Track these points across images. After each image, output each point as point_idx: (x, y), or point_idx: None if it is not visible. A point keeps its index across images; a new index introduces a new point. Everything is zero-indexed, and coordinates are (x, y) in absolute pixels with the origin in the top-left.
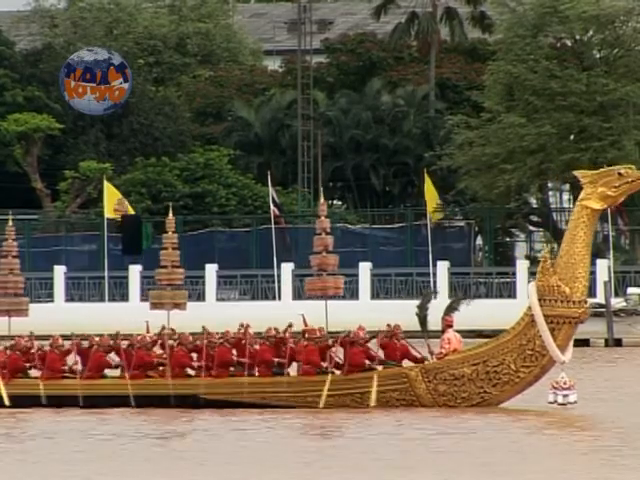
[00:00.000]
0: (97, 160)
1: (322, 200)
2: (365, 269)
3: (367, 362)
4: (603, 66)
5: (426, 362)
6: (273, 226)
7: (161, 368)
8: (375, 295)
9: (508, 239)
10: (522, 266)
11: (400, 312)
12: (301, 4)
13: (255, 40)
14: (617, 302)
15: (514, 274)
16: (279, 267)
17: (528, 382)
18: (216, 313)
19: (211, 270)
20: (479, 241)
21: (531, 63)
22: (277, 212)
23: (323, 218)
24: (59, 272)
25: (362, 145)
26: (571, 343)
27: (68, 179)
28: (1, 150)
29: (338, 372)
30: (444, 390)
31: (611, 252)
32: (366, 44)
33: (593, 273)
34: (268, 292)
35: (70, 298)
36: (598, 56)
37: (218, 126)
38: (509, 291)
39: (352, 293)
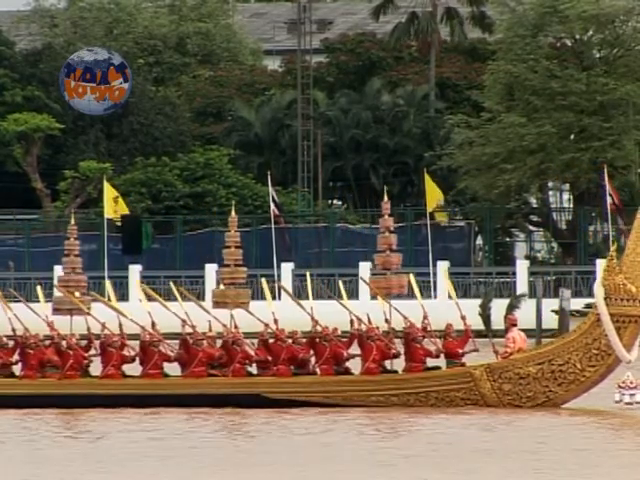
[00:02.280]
0: (97, 160)
1: (385, 199)
2: (365, 269)
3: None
4: (603, 66)
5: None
6: (273, 226)
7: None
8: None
9: (508, 239)
10: (522, 266)
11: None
12: (301, 4)
13: (255, 40)
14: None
15: (514, 274)
16: (279, 267)
17: (594, 381)
18: (216, 313)
19: (211, 270)
20: (479, 241)
21: (531, 63)
22: (277, 212)
23: (387, 217)
24: (59, 272)
25: (362, 145)
26: (637, 342)
27: (68, 179)
28: (1, 150)
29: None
30: (509, 389)
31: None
32: (366, 44)
33: (593, 273)
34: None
35: None
36: (598, 56)
37: (218, 126)
38: (509, 291)
39: (352, 293)
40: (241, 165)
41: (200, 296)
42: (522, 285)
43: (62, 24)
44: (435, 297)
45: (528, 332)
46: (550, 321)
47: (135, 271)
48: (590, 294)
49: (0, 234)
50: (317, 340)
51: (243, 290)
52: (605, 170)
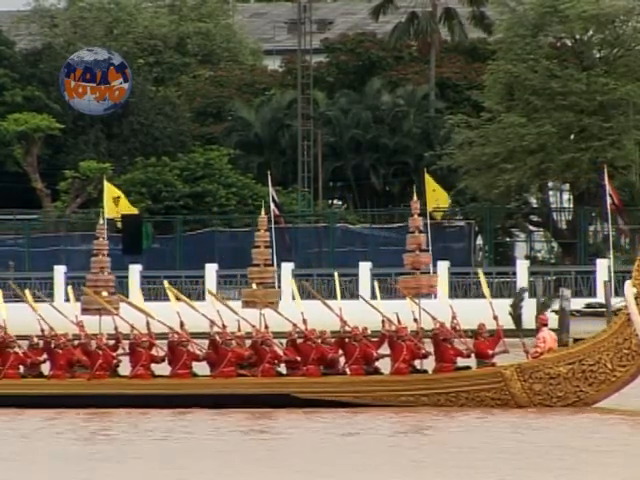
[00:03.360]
0: (97, 160)
1: (415, 198)
2: (365, 269)
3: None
4: (603, 66)
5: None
6: (273, 226)
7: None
8: (375, 295)
9: (508, 239)
10: (522, 266)
11: (400, 312)
12: (301, 4)
13: (255, 40)
14: (617, 302)
15: (514, 274)
16: (279, 267)
17: (624, 381)
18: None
19: (211, 270)
20: (479, 241)
21: (531, 63)
22: (277, 212)
23: (416, 216)
24: (59, 272)
25: (362, 145)
26: None
27: (68, 179)
28: (1, 150)
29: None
30: (540, 389)
31: (611, 252)
32: (366, 44)
33: (593, 273)
34: None
35: (69, 298)
36: (598, 56)
37: (218, 126)
38: (509, 291)
39: (352, 293)
40: (241, 165)
41: (200, 296)
42: (522, 285)
43: (62, 24)
44: (435, 297)
45: (528, 332)
46: (550, 321)
47: (135, 271)
48: (590, 294)
49: (0, 234)
50: (347, 340)
51: (272, 290)
52: (605, 170)
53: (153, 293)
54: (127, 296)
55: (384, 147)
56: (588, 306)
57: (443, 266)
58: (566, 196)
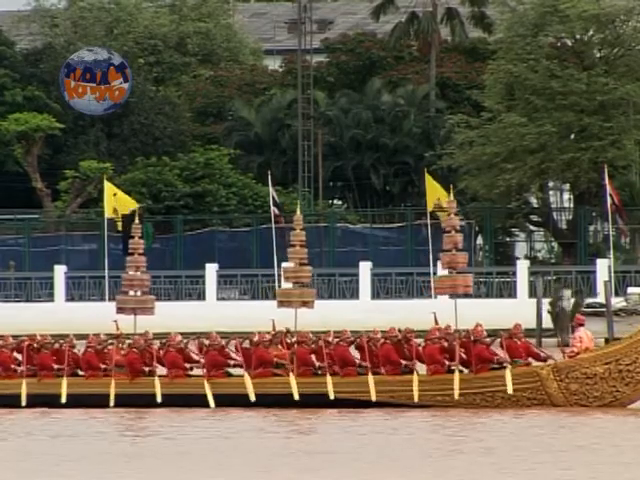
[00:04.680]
0: (97, 160)
1: (451, 197)
2: (365, 269)
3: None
4: (603, 65)
5: (552, 360)
6: (273, 226)
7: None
8: (375, 295)
9: (508, 239)
10: (522, 266)
11: (400, 312)
12: (301, 4)
13: (255, 40)
14: (617, 302)
15: (514, 274)
16: (279, 266)
17: None
18: (216, 312)
19: (211, 269)
20: (479, 241)
21: (531, 62)
22: (277, 212)
23: (453, 215)
24: (59, 272)
25: (362, 145)
26: None
27: (68, 179)
28: (1, 150)
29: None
30: (576, 389)
31: (611, 252)
32: (366, 44)
33: (593, 273)
34: (268, 292)
35: (70, 298)
36: (598, 55)
37: (218, 126)
38: (509, 291)
39: (352, 293)
40: (241, 165)
41: (200, 296)
42: (522, 285)
43: (62, 24)
44: (435, 297)
45: (528, 332)
46: (550, 321)
47: None
48: (590, 294)
49: (0, 234)
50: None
51: (308, 289)
52: (605, 170)
53: (153, 293)
54: None
55: (384, 147)
56: (588, 306)
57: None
58: (566, 196)
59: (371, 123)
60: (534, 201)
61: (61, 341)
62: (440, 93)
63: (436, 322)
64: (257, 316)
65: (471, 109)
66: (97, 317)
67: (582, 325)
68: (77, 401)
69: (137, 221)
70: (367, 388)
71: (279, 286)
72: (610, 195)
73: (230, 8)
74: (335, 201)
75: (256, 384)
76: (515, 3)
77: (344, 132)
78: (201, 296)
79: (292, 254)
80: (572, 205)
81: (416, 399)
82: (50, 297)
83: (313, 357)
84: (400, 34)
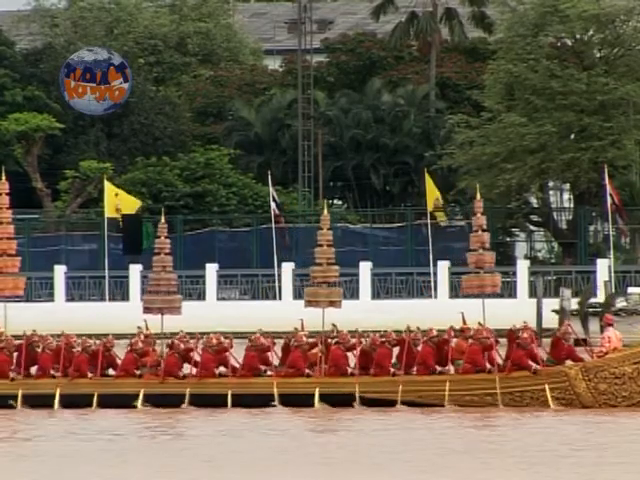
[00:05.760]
0: (97, 160)
1: (478, 197)
2: (365, 269)
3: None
4: (603, 65)
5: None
6: (273, 225)
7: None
8: (375, 295)
9: (508, 239)
10: (522, 266)
11: (400, 312)
12: (301, 4)
13: (255, 40)
14: (617, 302)
15: (514, 274)
16: (280, 266)
17: None
18: (216, 312)
19: (211, 269)
20: None
21: (531, 62)
22: (277, 211)
23: (479, 215)
24: (59, 272)
25: (362, 145)
26: None
27: (68, 179)
28: (1, 150)
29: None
30: (604, 389)
31: (611, 252)
32: (366, 44)
33: (594, 273)
34: (269, 291)
35: (70, 298)
36: (598, 55)
37: (218, 126)
38: (509, 290)
39: (352, 293)
40: (241, 165)
41: (200, 295)
42: (522, 285)
43: (62, 24)
44: (435, 297)
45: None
46: (550, 321)
47: (135, 271)
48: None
49: None
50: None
51: (335, 289)
52: (605, 170)
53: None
54: (128, 296)
55: (384, 147)
56: (588, 306)
57: (443, 266)
58: (566, 196)
59: (371, 123)
60: (534, 201)
61: (97, 342)
62: (440, 93)
63: (464, 322)
64: (257, 316)
65: (471, 109)
66: (97, 317)
67: (611, 325)
68: (107, 401)
69: (162, 221)
70: (396, 388)
71: (279, 286)
72: (610, 195)
73: (230, 8)
74: (335, 201)
75: (287, 383)
76: (515, 3)
77: (344, 132)
78: (201, 296)
79: (319, 254)
80: (572, 205)
81: (446, 400)
82: (50, 297)
83: (349, 355)
84: (400, 34)
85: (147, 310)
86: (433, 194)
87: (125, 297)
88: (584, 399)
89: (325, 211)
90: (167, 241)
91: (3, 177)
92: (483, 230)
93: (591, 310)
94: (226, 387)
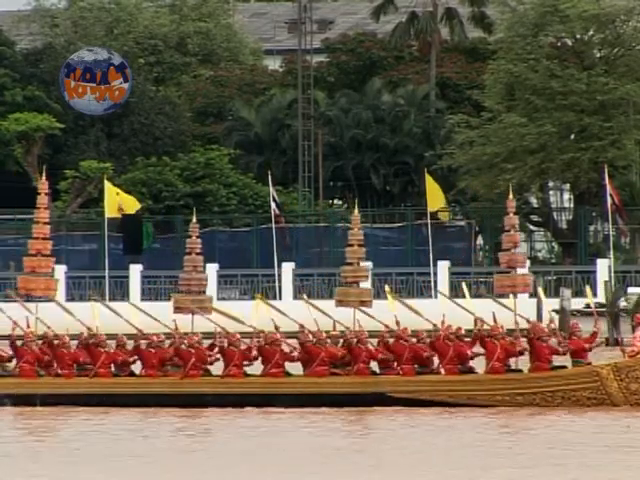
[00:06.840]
0: (98, 160)
1: (510, 196)
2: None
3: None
4: (603, 65)
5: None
6: (274, 225)
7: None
8: (376, 295)
9: None
10: None
11: (400, 312)
12: (301, 4)
13: (255, 40)
14: (619, 301)
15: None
16: (280, 266)
17: None
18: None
19: (212, 269)
20: (480, 241)
21: (532, 62)
22: (277, 211)
23: (511, 215)
24: (59, 271)
25: (362, 145)
26: None
27: (69, 179)
28: (1, 150)
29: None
30: (636, 389)
31: (611, 252)
32: (366, 44)
33: (594, 273)
34: (269, 291)
35: (71, 297)
36: (598, 55)
37: (219, 126)
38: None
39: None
40: (241, 165)
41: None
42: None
43: (62, 24)
44: (435, 297)
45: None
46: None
47: (136, 271)
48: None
49: (0, 234)
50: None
51: (366, 289)
52: (605, 170)
53: (153, 293)
54: (128, 296)
55: (384, 147)
56: (588, 306)
57: (443, 266)
58: (566, 196)
59: (371, 123)
60: (534, 201)
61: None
62: (440, 93)
63: (495, 321)
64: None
65: (471, 109)
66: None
67: None
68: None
69: (194, 220)
70: (426, 387)
71: (279, 286)
72: (610, 195)
73: (230, 8)
74: (335, 201)
75: (314, 383)
76: (515, 3)
77: (344, 132)
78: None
79: (350, 254)
80: (572, 205)
81: (477, 399)
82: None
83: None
84: (400, 34)
85: (178, 310)
86: (436, 195)
87: (125, 297)
88: (615, 399)
89: (356, 211)
90: (198, 241)
91: (44, 177)
92: (515, 230)
93: (590, 310)
94: (248, 386)
